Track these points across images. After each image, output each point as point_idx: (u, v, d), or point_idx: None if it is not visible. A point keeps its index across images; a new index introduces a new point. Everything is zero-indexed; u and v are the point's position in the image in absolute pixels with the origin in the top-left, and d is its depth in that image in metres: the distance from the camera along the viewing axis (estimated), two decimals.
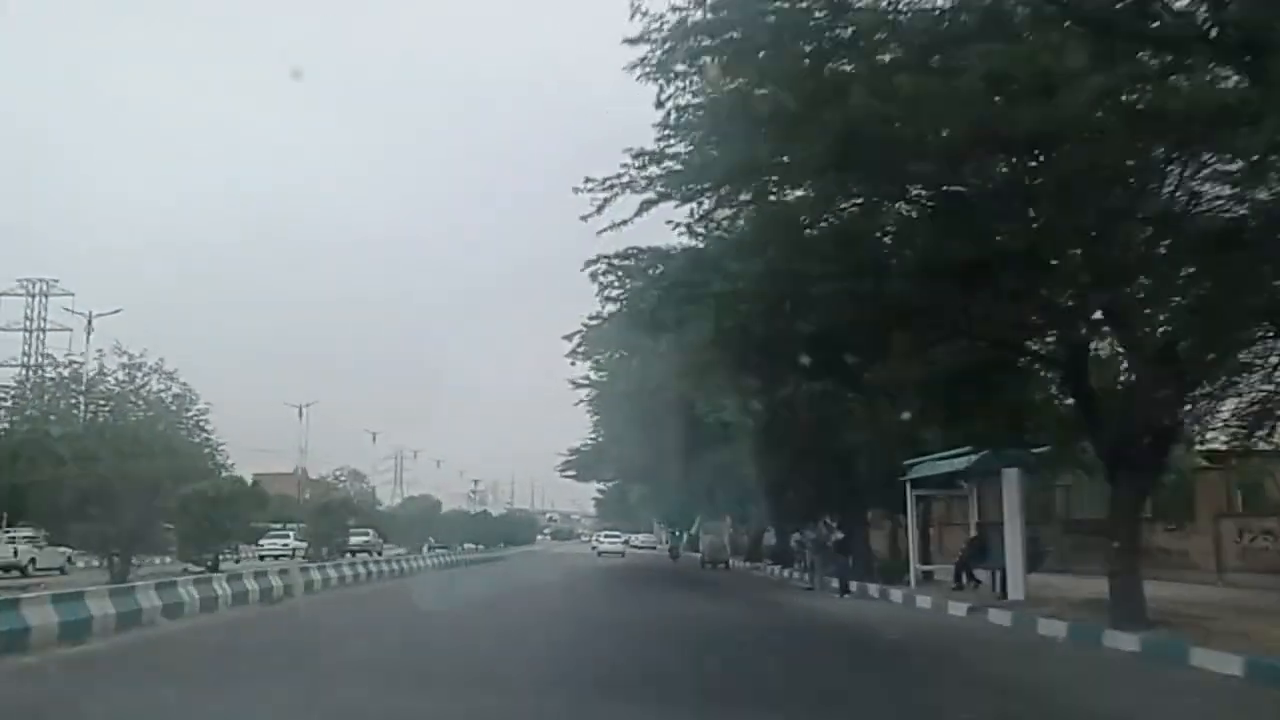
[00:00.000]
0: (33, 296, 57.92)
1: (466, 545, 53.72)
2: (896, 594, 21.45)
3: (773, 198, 13.91)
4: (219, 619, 15.40)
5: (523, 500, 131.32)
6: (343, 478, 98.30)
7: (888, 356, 15.49)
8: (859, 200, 13.65)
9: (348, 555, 37.15)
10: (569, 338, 26.09)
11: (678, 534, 64.07)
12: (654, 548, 66.70)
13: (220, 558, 23.19)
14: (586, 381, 39.13)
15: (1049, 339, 14.86)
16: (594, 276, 15.21)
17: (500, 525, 71.10)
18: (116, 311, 50.86)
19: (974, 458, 19.02)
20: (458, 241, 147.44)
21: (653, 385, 26.50)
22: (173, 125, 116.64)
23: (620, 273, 14.97)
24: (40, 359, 51.67)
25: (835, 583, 23.06)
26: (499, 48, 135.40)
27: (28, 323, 57.58)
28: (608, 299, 16.03)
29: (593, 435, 47.20)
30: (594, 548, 60.70)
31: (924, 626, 16.18)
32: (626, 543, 62.09)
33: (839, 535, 23.35)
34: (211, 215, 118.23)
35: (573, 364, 33.96)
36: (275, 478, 64.78)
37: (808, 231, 14.07)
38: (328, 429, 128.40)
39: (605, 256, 14.86)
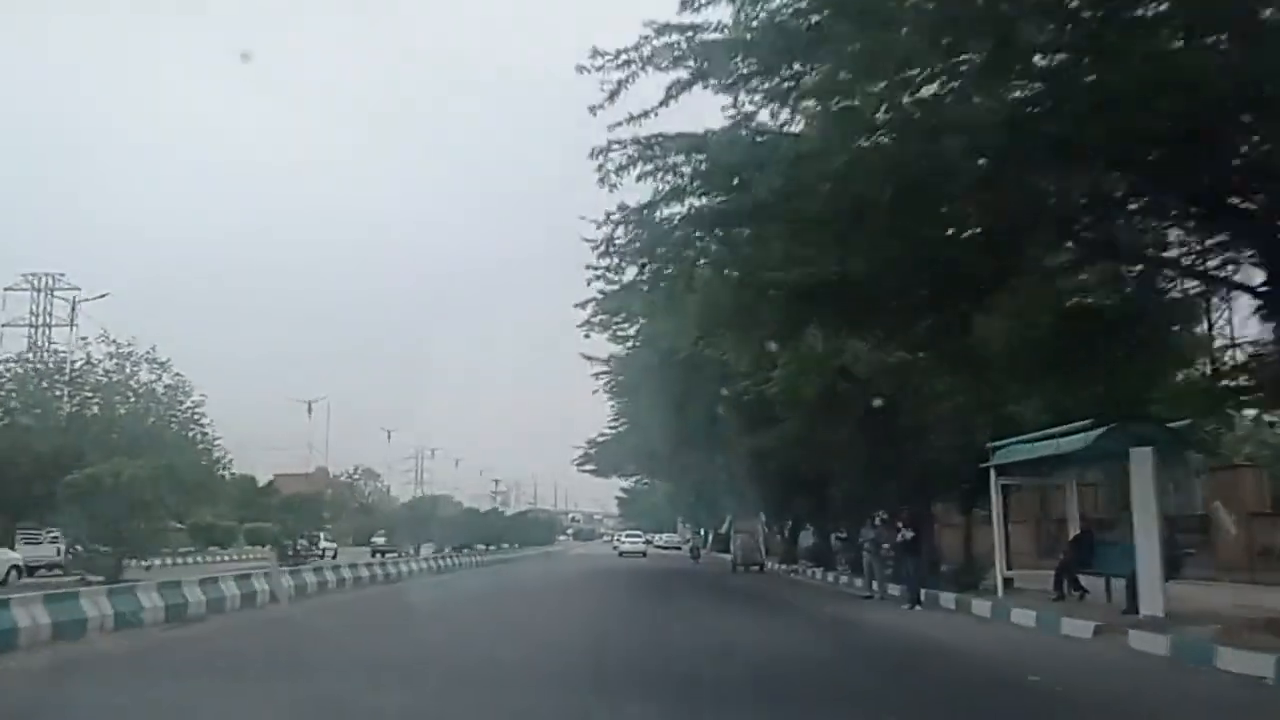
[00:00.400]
0: (38, 291, 55.99)
1: (477, 546, 50.23)
2: (981, 606, 17.39)
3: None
4: (79, 650, 11.17)
5: (546, 500, 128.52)
6: (357, 476, 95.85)
7: (1014, 286, 11.00)
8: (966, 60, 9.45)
9: (378, 555, 39.07)
10: (582, 305, 22.08)
11: (700, 533, 61.11)
12: (678, 548, 66.11)
13: (125, 563, 18.10)
14: (604, 360, 34.95)
15: (1229, 255, 10.58)
16: (603, 179, 10.82)
17: (515, 525, 67.36)
18: (103, 296, 49.52)
19: (1092, 435, 14.72)
20: (479, 239, 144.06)
21: (680, 348, 22.13)
22: (180, 122, 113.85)
23: (644, 163, 10.50)
24: (29, 352, 49.21)
25: (899, 591, 19.48)
26: (513, 36, 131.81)
27: (33, 318, 55.60)
28: (624, 219, 11.55)
29: (612, 424, 43.12)
30: (615, 548, 60.19)
31: (1058, 658, 11.77)
32: (649, 543, 61.02)
33: (908, 534, 19.19)
34: (231, 217, 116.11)
35: (586, 336, 30.01)
36: (296, 478, 62.73)
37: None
38: (352, 430, 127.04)
39: (619, 142, 10.46)
